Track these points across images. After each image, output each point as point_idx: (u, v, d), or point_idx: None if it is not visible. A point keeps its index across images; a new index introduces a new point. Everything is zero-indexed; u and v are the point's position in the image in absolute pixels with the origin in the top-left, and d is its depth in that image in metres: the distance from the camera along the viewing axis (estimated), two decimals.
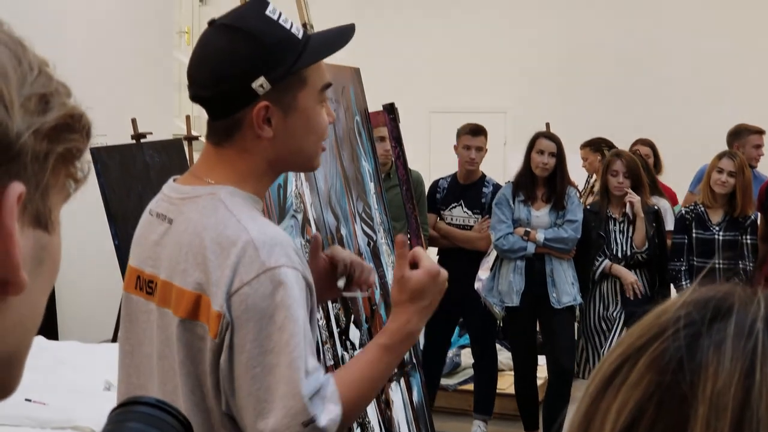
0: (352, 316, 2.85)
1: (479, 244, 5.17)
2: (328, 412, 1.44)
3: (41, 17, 6.15)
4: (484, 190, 5.25)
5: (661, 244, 4.98)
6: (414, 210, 4.11)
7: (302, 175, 2.77)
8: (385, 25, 8.24)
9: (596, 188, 5.40)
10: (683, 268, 4.91)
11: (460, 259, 5.20)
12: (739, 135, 5.98)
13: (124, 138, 5.22)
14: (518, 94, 8.14)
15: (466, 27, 8.32)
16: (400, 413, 3.06)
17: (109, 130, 5.38)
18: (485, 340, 5.29)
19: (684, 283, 4.90)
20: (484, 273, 5.08)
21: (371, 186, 3.31)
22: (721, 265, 4.83)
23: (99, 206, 4.59)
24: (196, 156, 5.29)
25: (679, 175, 6.26)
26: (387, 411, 2.98)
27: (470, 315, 5.25)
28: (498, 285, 4.98)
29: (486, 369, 5.29)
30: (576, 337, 5.15)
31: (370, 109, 3.58)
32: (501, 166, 7.28)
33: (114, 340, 5.20)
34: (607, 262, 4.92)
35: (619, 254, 4.93)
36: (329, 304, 2.69)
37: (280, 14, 1.55)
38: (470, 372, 5.64)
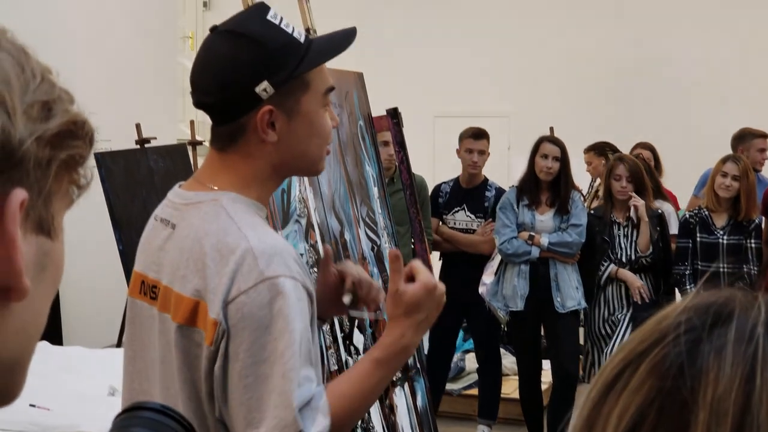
0: (356, 321, 2.85)
1: (483, 247, 5.17)
2: (317, 425, 1.42)
3: (46, 24, 6.17)
4: (487, 194, 5.25)
5: (665, 248, 4.97)
6: (417, 214, 4.11)
7: (306, 179, 2.77)
8: (388, 29, 8.25)
9: (601, 192, 5.39)
10: (687, 272, 4.91)
11: (464, 263, 5.20)
12: (744, 139, 5.98)
13: (129, 143, 5.23)
14: (522, 98, 8.14)
15: (470, 31, 8.32)
16: (404, 418, 3.05)
17: (113, 135, 5.39)
18: (489, 344, 5.28)
19: (688, 287, 4.89)
20: (488, 277, 5.08)
21: (375, 190, 3.32)
22: (725, 269, 4.83)
23: (103, 211, 4.60)
24: (200, 161, 5.29)
25: (684, 179, 6.25)
26: (391, 416, 2.98)
27: (474, 319, 5.25)
28: (502, 289, 4.97)
29: (490, 373, 5.28)
30: (582, 342, 5.14)
31: (374, 114, 3.59)
32: (505, 170, 7.28)
33: (118, 345, 5.20)
34: (612, 266, 4.91)
35: (624, 259, 4.92)
36: None
37: (281, 19, 1.56)
38: (474, 377, 5.64)
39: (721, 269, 4.82)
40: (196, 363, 1.46)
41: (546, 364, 5.22)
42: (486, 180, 5.31)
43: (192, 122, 6.04)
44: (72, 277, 5.72)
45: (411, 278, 1.57)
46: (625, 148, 6.09)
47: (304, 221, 2.72)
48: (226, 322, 1.42)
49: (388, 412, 2.97)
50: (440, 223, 5.28)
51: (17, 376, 0.65)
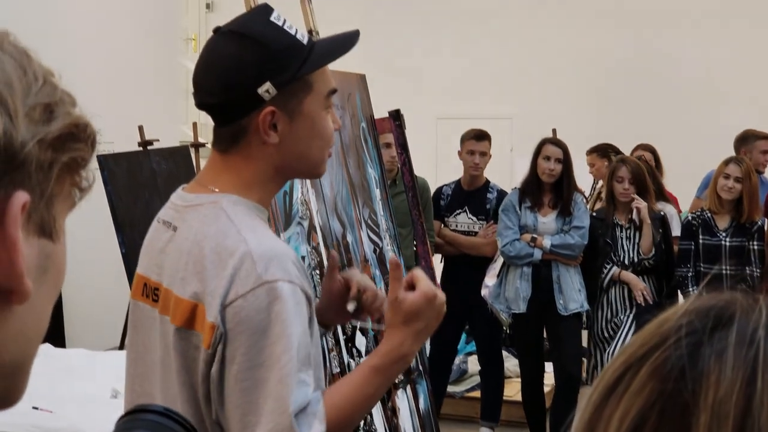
0: (358, 324, 2.85)
1: (485, 249, 5.17)
2: (313, 430, 1.42)
3: (48, 26, 6.17)
4: (489, 195, 5.25)
5: (667, 250, 4.97)
6: (420, 216, 4.12)
7: (308, 182, 2.77)
8: (391, 31, 8.25)
9: (604, 194, 5.39)
10: (690, 274, 4.90)
11: (466, 266, 5.20)
12: (747, 141, 5.97)
13: (131, 145, 5.24)
14: (524, 100, 8.14)
15: (473, 33, 8.32)
16: (406, 421, 3.05)
17: (116, 138, 5.41)
18: (491, 346, 5.28)
19: (691, 289, 4.89)
20: (490, 279, 5.08)
21: (377, 193, 3.32)
22: (727, 272, 4.82)
23: (106, 214, 4.60)
24: (202, 163, 5.30)
25: (686, 181, 6.25)
26: (393, 418, 2.98)
27: (477, 322, 5.25)
28: (505, 291, 4.97)
29: (492, 375, 5.28)
30: (585, 344, 5.14)
31: (376, 116, 3.59)
32: (508, 172, 7.28)
33: (121, 347, 5.20)
34: (615, 269, 4.91)
35: (626, 261, 4.91)
36: None
37: (284, 21, 1.56)
38: (477, 379, 5.63)
39: (724, 271, 4.81)
40: (193, 366, 1.46)
41: (548, 367, 5.21)
42: (487, 182, 5.31)
43: (195, 124, 6.04)
44: (75, 280, 5.72)
45: (412, 286, 1.57)
46: (627, 150, 6.09)
47: (306, 223, 2.73)
48: (224, 325, 1.41)
49: (391, 415, 2.96)
50: (442, 225, 5.28)
51: (19, 379, 0.65)
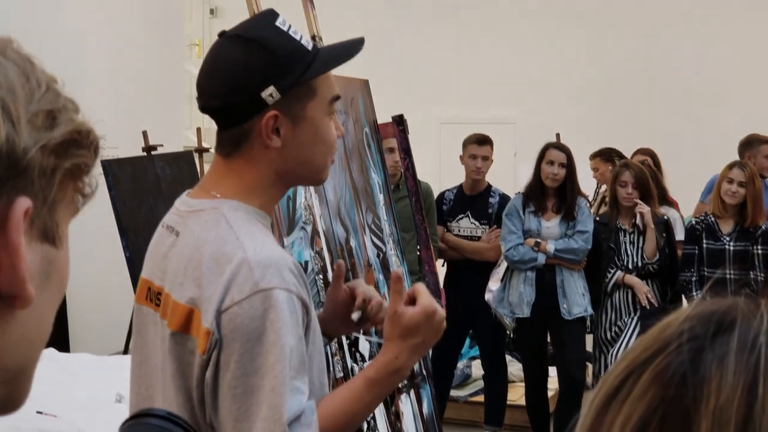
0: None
1: (488, 254, 5.17)
2: None
3: (53, 32, 6.19)
4: (491, 200, 5.25)
5: (671, 255, 4.96)
6: (423, 221, 4.11)
7: (311, 187, 2.77)
8: (394, 36, 8.26)
9: (608, 198, 5.38)
10: (694, 278, 4.89)
11: (469, 271, 5.20)
12: (751, 145, 5.97)
13: (135, 150, 5.24)
14: (528, 104, 8.14)
15: (476, 38, 8.33)
16: (410, 425, 3.05)
17: (120, 143, 5.41)
18: (495, 351, 5.28)
19: (694, 293, 4.88)
20: (494, 284, 5.08)
21: (380, 197, 3.32)
22: (731, 276, 4.81)
23: (110, 218, 4.61)
24: (206, 168, 5.31)
25: (690, 186, 6.24)
26: (397, 423, 2.98)
27: (480, 326, 5.25)
28: (508, 296, 4.97)
29: (496, 380, 5.28)
30: (590, 349, 5.13)
31: (380, 121, 3.59)
32: (511, 177, 7.28)
33: (125, 352, 5.21)
34: (619, 273, 4.90)
35: (630, 265, 4.91)
36: None
37: (290, 26, 1.56)
38: (481, 383, 5.63)
39: (728, 276, 4.81)
40: (188, 370, 1.47)
41: (552, 371, 5.21)
42: (489, 186, 5.31)
43: (199, 129, 6.05)
44: (79, 284, 5.73)
45: (413, 300, 1.56)
46: (631, 155, 6.09)
47: (309, 228, 2.73)
48: (219, 331, 1.41)
49: (394, 419, 2.96)
50: (445, 230, 5.28)
51: (22, 384, 0.66)
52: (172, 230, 1.56)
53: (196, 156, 5.70)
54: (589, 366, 5.59)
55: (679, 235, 5.13)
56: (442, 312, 1.57)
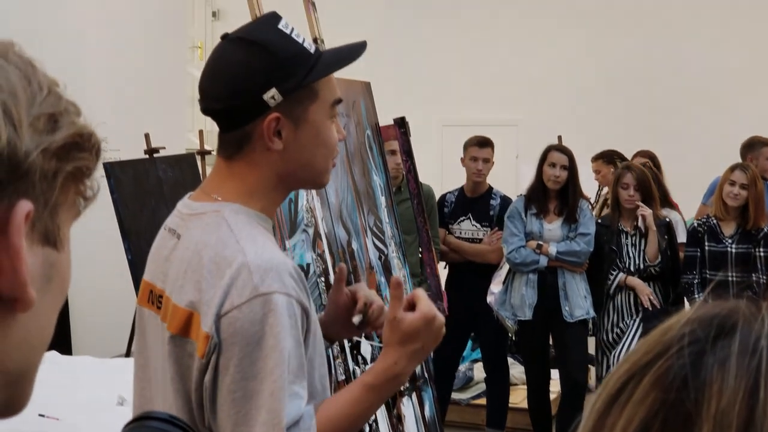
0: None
1: (490, 256, 5.17)
2: None
3: (55, 35, 6.20)
4: (492, 202, 5.25)
5: (673, 257, 4.96)
6: (425, 224, 4.11)
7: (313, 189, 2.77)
8: (396, 38, 8.26)
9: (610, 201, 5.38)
10: (696, 281, 4.89)
11: (471, 273, 5.20)
12: (753, 147, 5.96)
13: (138, 153, 5.25)
14: (530, 107, 8.14)
15: (478, 40, 8.33)
16: (412, 428, 3.05)
17: (122, 145, 5.42)
18: (497, 353, 5.27)
19: (697, 296, 4.88)
20: (496, 286, 5.08)
21: (382, 200, 3.32)
22: (733, 278, 4.81)
23: (112, 221, 4.61)
24: (208, 170, 5.31)
25: (692, 188, 6.23)
26: (399, 426, 2.98)
27: (482, 329, 5.24)
28: (510, 298, 4.97)
29: (498, 382, 5.27)
30: (592, 351, 5.13)
31: (382, 123, 3.59)
32: (513, 179, 7.28)
33: (127, 355, 5.21)
34: (621, 275, 4.90)
35: (632, 268, 4.90)
36: None
37: (292, 29, 1.56)
38: (483, 386, 5.63)
39: (730, 278, 4.80)
40: (187, 373, 1.47)
41: (554, 374, 5.21)
42: (490, 188, 5.31)
43: (201, 132, 6.06)
44: (81, 287, 5.74)
45: (412, 306, 1.56)
46: (631, 157, 6.09)
47: (311, 231, 2.73)
48: (218, 335, 1.41)
49: (396, 422, 2.96)
50: (446, 233, 5.28)
51: (23, 387, 0.66)
52: (174, 233, 1.56)
53: (198, 158, 5.70)
54: (592, 368, 5.58)
55: (681, 237, 5.12)
56: (441, 318, 1.57)
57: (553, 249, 4.83)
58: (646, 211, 4.85)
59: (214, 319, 1.41)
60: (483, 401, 5.51)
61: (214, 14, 9.00)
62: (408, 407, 3.06)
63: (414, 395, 3.12)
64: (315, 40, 3.12)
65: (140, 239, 4.53)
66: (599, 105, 8.02)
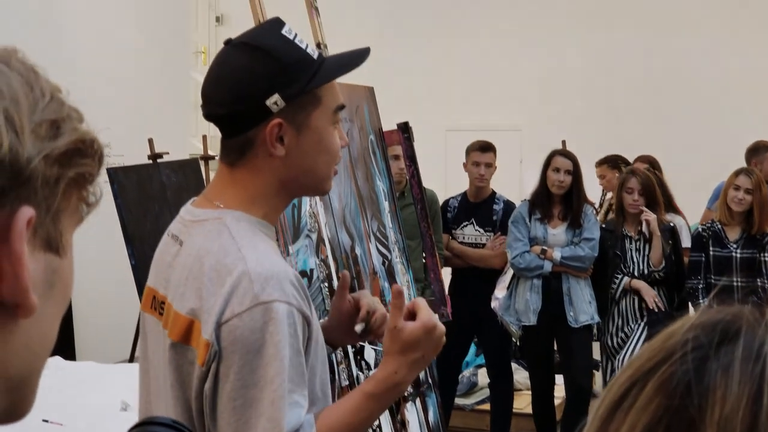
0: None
1: (493, 261, 5.16)
2: None
3: (58, 39, 6.21)
4: (495, 207, 5.25)
5: (677, 262, 4.95)
6: (429, 229, 4.11)
7: None
8: (399, 43, 8.27)
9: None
10: (701, 286, 4.88)
11: (474, 278, 5.19)
12: (758, 152, 5.95)
13: (141, 158, 5.26)
14: (534, 111, 8.14)
15: (482, 45, 8.33)
16: None
17: (126, 150, 5.44)
18: (501, 359, 5.27)
19: (701, 301, 4.87)
20: (500, 292, 5.07)
21: (386, 205, 3.32)
22: (738, 283, 4.80)
23: (116, 226, 4.62)
24: (212, 175, 5.31)
25: (696, 193, 6.22)
26: (403, 431, 2.97)
27: (486, 334, 5.23)
28: (515, 304, 4.96)
29: (502, 388, 5.26)
30: (598, 356, 5.12)
31: (385, 128, 3.59)
32: (517, 184, 7.27)
33: (131, 360, 5.21)
34: (626, 278, 4.89)
35: (636, 273, 4.90)
36: None
37: (296, 34, 1.56)
38: (487, 392, 5.62)
39: (735, 283, 4.79)
40: (188, 381, 1.47)
41: (559, 379, 5.20)
42: (494, 193, 5.30)
43: (204, 137, 6.06)
44: (85, 293, 5.74)
45: (413, 315, 1.56)
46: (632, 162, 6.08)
47: (314, 236, 2.73)
48: (218, 343, 1.41)
49: (400, 428, 2.96)
50: (449, 238, 5.28)
51: (26, 393, 0.66)
52: (177, 239, 1.56)
53: (201, 163, 5.71)
54: (597, 374, 5.57)
55: (686, 242, 5.11)
56: (441, 327, 1.57)
57: (557, 254, 4.82)
58: (650, 216, 4.84)
59: (215, 326, 1.41)
60: (487, 407, 5.50)
61: (217, 19, 9.01)
62: (412, 413, 3.06)
63: (418, 401, 3.12)
64: (318, 45, 3.12)
65: (144, 244, 4.54)
66: (603, 110, 8.01)
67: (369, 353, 2.83)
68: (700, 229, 5.02)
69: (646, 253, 4.90)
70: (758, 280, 4.80)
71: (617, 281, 4.90)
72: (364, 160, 3.23)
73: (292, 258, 2.56)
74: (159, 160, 5.23)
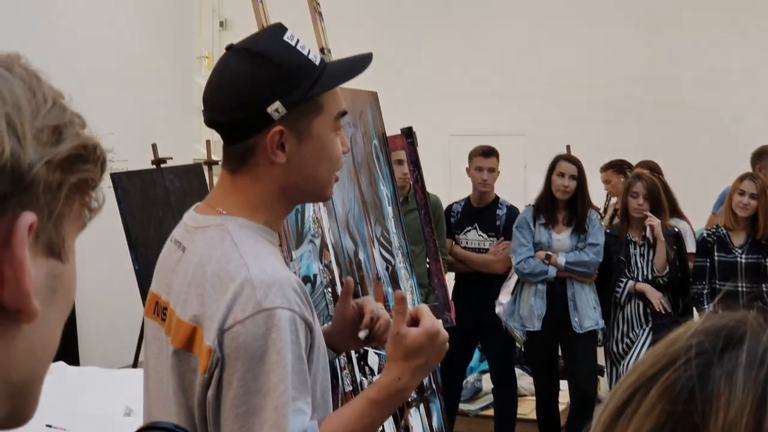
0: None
1: (496, 267, 5.15)
2: None
3: (62, 45, 6.22)
4: (498, 212, 5.24)
5: (682, 267, 4.94)
6: (432, 234, 4.10)
7: None
8: (403, 48, 8.27)
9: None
10: (705, 291, 4.87)
11: (478, 283, 5.18)
12: (763, 157, 5.93)
13: (145, 163, 5.26)
14: (538, 116, 8.13)
15: (486, 49, 8.33)
16: None
17: (129, 155, 5.44)
18: (505, 364, 5.26)
19: (706, 306, 4.85)
20: (504, 297, 5.06)
21: (389, 210, 3.32)
22: (743, 288, 4.79)
23: (119, 231, 4.62)
24: (215, 180, 5.32)
25: (703, 198, 6.21)
26: None
27: (490, 340, 5.23)
28: (519, 309, 4.95)
29: (506, 393, 5.25)
30: (602, 361, 5.10)
31: (389, 133, 3.59)
32: (521, 189, 7.26)
33: (134, 365, 5.21)
34: (631, 282, 4.88)
35: (640, 278, 4.89)
36: None
37: (297, 41, 1.56)
38: (491, 397, 5.61)
39: (740, 288, 4.78)
40: (190, 388, 1.46)
41: (563, 385, 5.19)
42: (497, 198, 5.30)
43: (208, 142, 6.06)
44: (89, 298, 5.75)
45: (416, 321, 1.56)
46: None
47: (318, 241, 2.72)
48: (221, 350, 1.41)
49: None
50: (453, 243, 5.27)
51: (28, 398, 0.66)
52: (180, 245, 1.56)
53: (205, 168, 5.71)
54: (602, 379, 5.56)
55: (690, 247, 5.10)
56: (444, 333, 1.57)
57: (562, 259, 4.81)
58: (654, 221, 4.83)
59: (217, 333, 1.41)
60: (491, 412, 5.49)
61: (221, 24, 9.03)
62: (416, 418, 3.05)
63: (422, 406, 3.11)
64: (322, 50, 3.12)
65: (147, 249, 4.54)
66: (608, 115, 8.00)
67: (372, 358, 2.82)
68: (704, 234, 5.01)
69: (651, 258, 4.89)
70: (763, 285, 4.78)
71: (621, 286, 4.89)
72: (367, 164, 3.23)
73: (296, 263, 2.56)
74: (163, 165, 5.23)
